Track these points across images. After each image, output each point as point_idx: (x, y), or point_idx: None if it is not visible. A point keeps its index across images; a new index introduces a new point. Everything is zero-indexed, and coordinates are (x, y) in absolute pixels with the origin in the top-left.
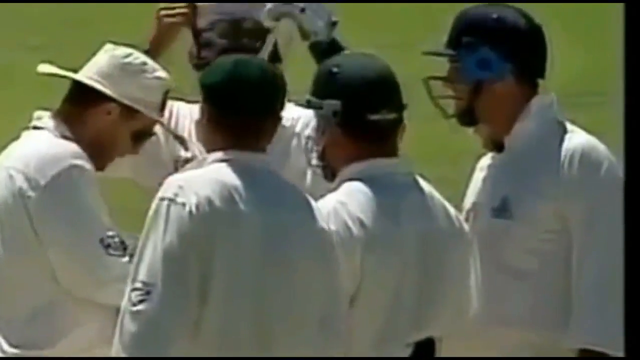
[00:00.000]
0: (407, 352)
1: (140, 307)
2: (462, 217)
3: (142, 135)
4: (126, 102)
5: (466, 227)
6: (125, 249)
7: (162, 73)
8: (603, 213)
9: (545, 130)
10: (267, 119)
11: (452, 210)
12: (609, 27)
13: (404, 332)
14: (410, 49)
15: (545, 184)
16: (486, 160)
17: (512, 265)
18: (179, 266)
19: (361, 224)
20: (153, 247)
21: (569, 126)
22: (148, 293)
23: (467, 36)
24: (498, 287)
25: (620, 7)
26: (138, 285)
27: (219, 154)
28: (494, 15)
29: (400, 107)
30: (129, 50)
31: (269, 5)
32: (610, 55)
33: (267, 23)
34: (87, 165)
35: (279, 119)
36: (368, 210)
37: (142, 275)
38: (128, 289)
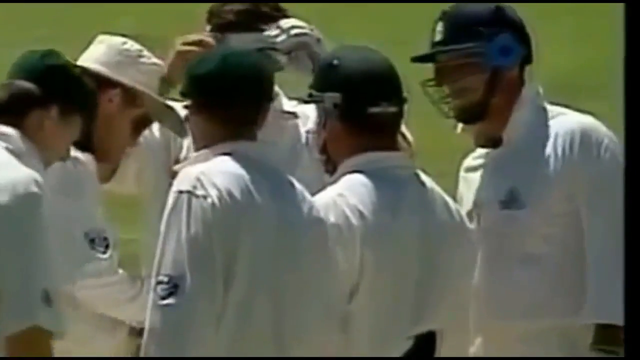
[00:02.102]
0: (407, 345)
1: (169, 300)
2: (463, 211)
3: (142, 123)
4: (137, 86)
5: (467, 221)
6: (107, 246)
7: (157, 60)
8: (608, 189)
9: (540, 118)
10: (261, 108)
11: (453, 204)
12: (609, 23)
13: (404, 325)
14: (409, 45)
15: (551, 169)
16: (476, 159)
17: (527, 254)
18: (205, 257)
19: (361, 216)
20: (176, 239)
21: (555, 108)
22: (176, 286)
23: (483, 26)
24: (515, 277)
25: (620, 5)
26: (163, 278)
27: (222, 147)
28: (492, 7)
29: (401, 100)
30: (124, 38)
31: (281, 37)
32: (610, 50)
33: (281, 57)
34: (85, 159)
35: (268, 108)
36: (368, 203)
37: (166, 268)
38: (152, 282)
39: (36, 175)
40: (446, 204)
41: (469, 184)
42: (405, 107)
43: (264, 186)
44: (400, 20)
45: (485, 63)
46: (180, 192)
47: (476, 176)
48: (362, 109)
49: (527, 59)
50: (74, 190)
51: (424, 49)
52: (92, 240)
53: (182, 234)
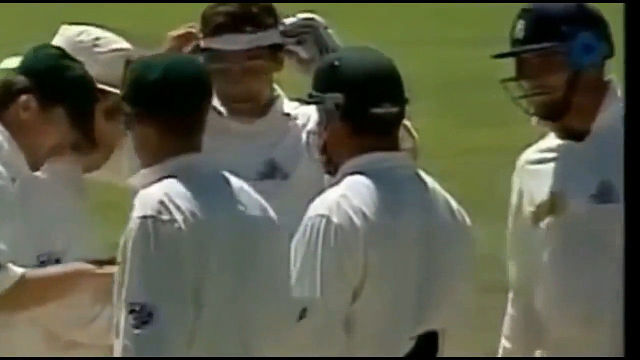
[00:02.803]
0: (409, 346)
1: (142, 330)
2: (463, 211)
3: (115, 111)
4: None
5: (468, 221)
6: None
7: (120, 44)
8: None
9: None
10: (206, 113)
11: (454, 204)
12: (609, 23)
13: (407, 325)
14: (416, 45)
15: None
16: (542, 152)
17: (621, 248)
18: (175, 283)
19: (364, 216)
20: (145, 266)
21: None
22: (150, 314)
23: (564, 25)
24: (609, 272)
25: (620, 5)
26: (135, 307)
27: (172, 162)
28: (573, 5)
29: (402, 100)
30: (81, 28)
31: (291, 19)
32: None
33: (286, 40)
34: (63, 174)
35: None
36: (370, 204)
37: (137, 295)
38: (123, 308)
39: None
40: (448, 204)
41: (538, 176)
42: (407, 107)
43: (223, 201)
44: (413, 20)
45: (567, 62)
46: (145, 217)
47: (547, 168)
48: (364, 109)
49: (608, 54)
50: (29, 210)
51: (429, 49)
52: (42, 263)
53: (151, 260)
